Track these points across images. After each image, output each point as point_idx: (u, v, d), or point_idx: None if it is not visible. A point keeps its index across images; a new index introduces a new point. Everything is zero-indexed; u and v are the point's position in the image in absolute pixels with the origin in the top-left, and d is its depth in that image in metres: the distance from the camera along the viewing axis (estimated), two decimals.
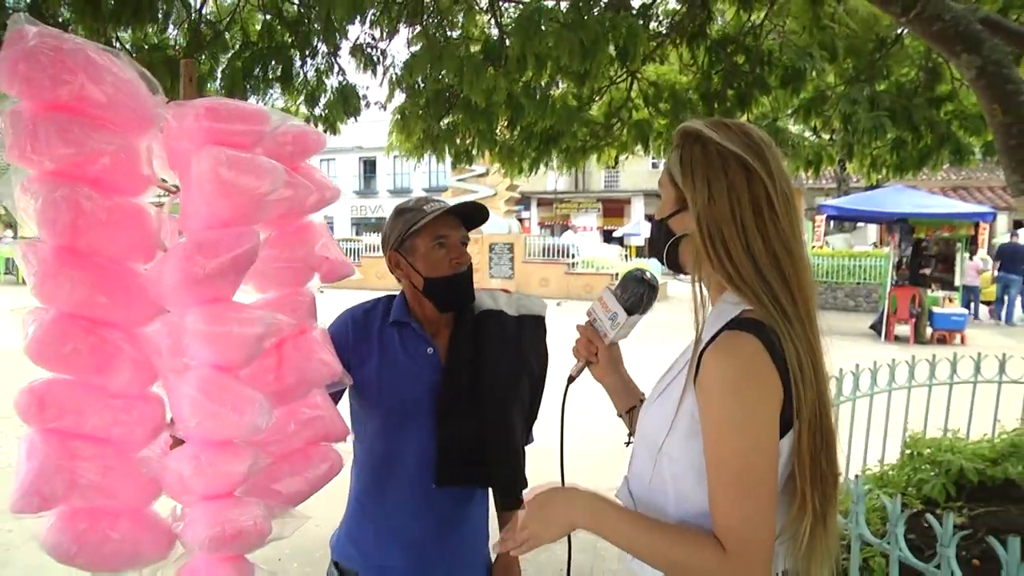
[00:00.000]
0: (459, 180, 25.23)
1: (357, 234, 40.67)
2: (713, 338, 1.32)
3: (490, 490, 2.12)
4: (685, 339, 1.44)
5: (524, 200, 38.17)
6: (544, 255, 24.79)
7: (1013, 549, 1.90)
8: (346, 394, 2.06)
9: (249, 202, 1.49)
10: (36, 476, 1.46)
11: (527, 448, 2.15)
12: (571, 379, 1.69)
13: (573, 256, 24.90)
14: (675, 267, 1.50)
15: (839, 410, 4.19)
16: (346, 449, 1.91)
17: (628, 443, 1.76)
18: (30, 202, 1.41)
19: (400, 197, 42.95)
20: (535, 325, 2.15)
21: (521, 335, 2.10)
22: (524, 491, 1.49)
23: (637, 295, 1.62)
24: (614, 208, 39.95)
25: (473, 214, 2.06)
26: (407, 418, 2.01)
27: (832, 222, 20.86)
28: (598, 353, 1.70)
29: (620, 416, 1.76)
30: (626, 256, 27.50)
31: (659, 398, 1.44)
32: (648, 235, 1.62)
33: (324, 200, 1.79)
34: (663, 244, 1.49)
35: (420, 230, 1.99)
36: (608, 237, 37.38)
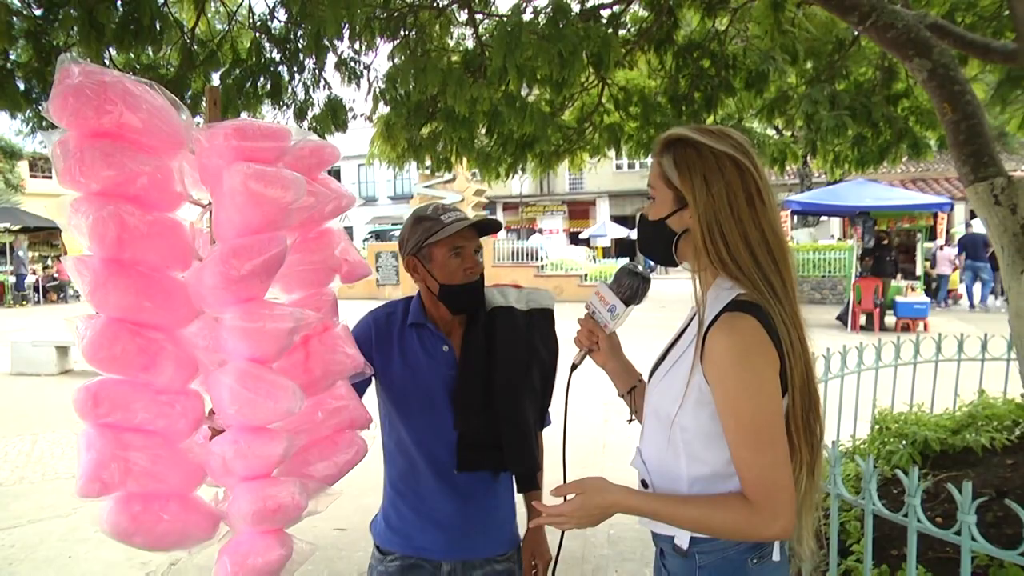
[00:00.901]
0: (426, 187, 25.06)
1: None
2: (714, 320, 1.49)
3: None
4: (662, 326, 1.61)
5: (490, 204, 37.94)
6: (513, 258, 24.76)
7: (966, 492, 2.11)
8: (374, 392, 2.20)
9: (276, 211, 1.61)
10: (96, 465, 1.60)
11: (545, 430, 2.28)
12: (574, 366, 1.83)
13: (542, 259, 24.88)
14: (669, 262, 1.65)
15: None
16: (370, 435, 2.04)
17: (631, 420, 1.96)
18: (81, 220, 1.54)
19: (365, 207, 42.15)
20: (544, 317, 2.26)
21: (531, 328, 2.20)
22: (562, 486, 1.60)
23: (633, 288, 1.79)
24: (580, 210, 39.95)
25: (487, 226, 2.16)
26: (429, 411, 2.13)
27: (796, 217, 21.02)
28: (599, 341, 1.84)
29: (622, 396, 1.92)
30: (593, 257, 27.66)
31: (667, 376, 1.60)
32: (639, 235, 1.77)
33: (341, 207, 1.94)
34: (664, 242, 1.62)
35: (439, 240, 2.08)
36: (575, 239, 37.36)
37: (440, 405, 2.13)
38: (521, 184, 27.05)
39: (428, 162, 6.82)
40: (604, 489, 1.56)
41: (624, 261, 23.71)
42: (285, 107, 5.39)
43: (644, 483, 1.66)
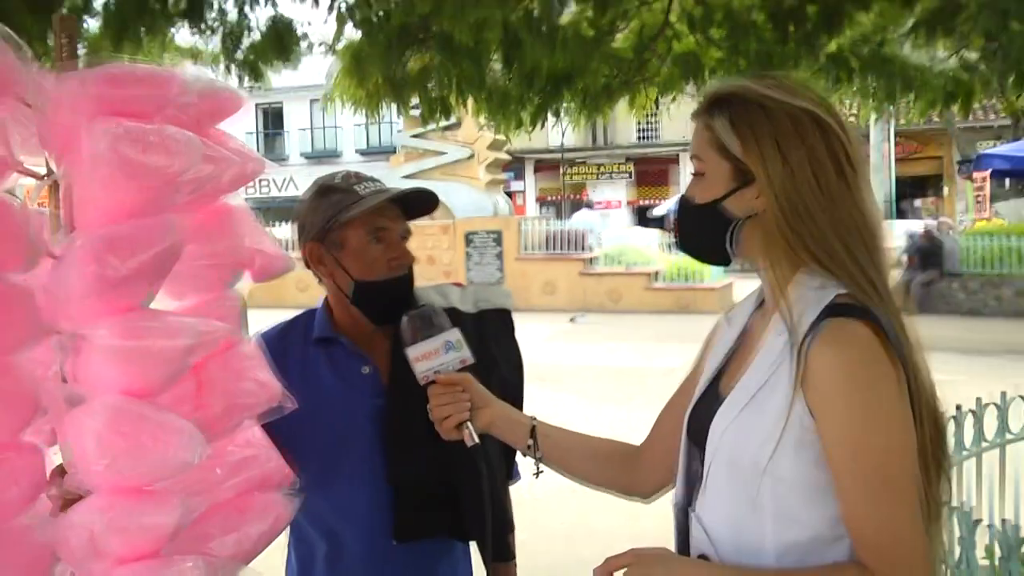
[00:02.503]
0: (415, 136, 24.60)
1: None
2: (812, 329, 1.57)
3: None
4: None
5: (516, 164, 37.02)
6: (548, 247, 24.19)
7: None
8: None
9: (159, 185, 1.64)
10: None
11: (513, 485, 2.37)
12: (477, 449, 1.97)
13: (592, 247, 24.34)
14: (721, 258, 1.73)
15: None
16: (289, 499, 2.01)
17: (538, 473, 2.10)
18: None
19: (322, 167, 39.42)
20: (500, 321, 2.38)
21: (483, 336, 2.29)
22: (614, 557, 1.66)
23: (438, 317, 2.00)
24: (653, 172, 39.71)
25: (418, 202, 2.27)
26: (349, 458, 2.22)
27: (1008, 180, 19.77)
28: (471, 398, 1.99)
29: (526, 452, 2.04)
30: (670, 244, 25.77)
31: (746, 410, 1.64)
32: (679, 226, 1.79)
33: (245, 175, 1.93)
34: (716, 232, 1.69)
35: (353, 219, 2.17)
36: (643, 217, 36.99)
37: (363, 449, 2.21)
38: (563, 133, 26.14)
39: (415, 103, 6.89)
40: (669, 562, 1.64)
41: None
42: (209, 32, 5.46)
43: (704, 559, 1.70)
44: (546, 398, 8.55)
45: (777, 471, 1.58)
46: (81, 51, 1.97)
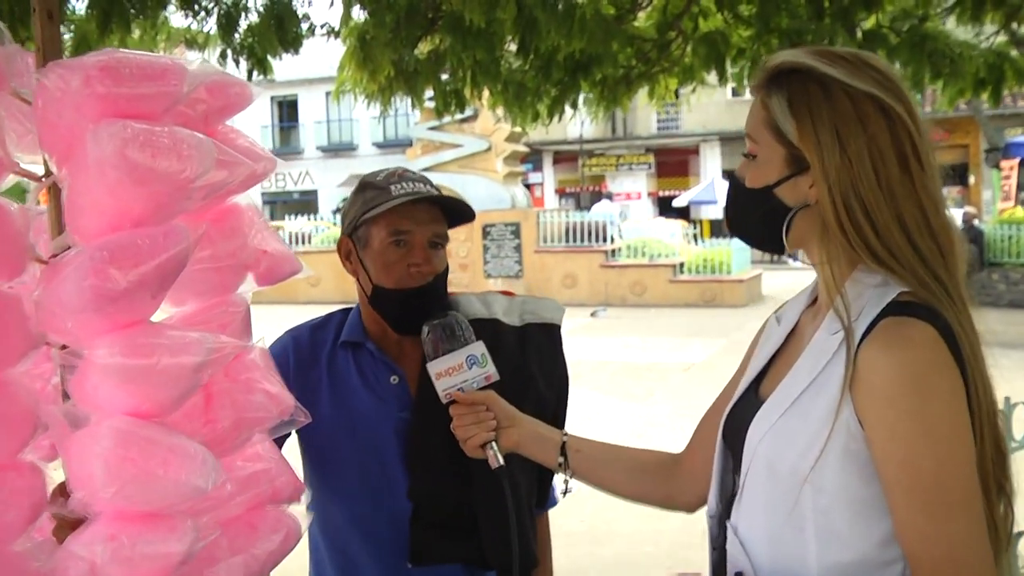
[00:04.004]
0: (431, 128, 24.68)
1: (272, 218, 38.14)
2: (869, 329, 1.51)
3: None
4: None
5: (534, 156, 37.23)
6: (568, 239, 24.49)
7: None
8: (295, 443, 2.23)
9: (171, 191, 1.61)
10: None
11: (556, 516, 2.34)
12: (501, 470, 1.94)
13: (613, 239, 24.51)
14: (775, 247, 1.69)
15: None
16: (302, 511, 2.01)
17: (566, 491, 2.09)
18: None
19: (338, 160, 41.37)
20: (546, 336, 2.33)
21: (525, 350, 2.27)
22: None
23: (463, 327, 2.00)
24: (674, 163, 39.82)
25: (458, 207, 2.23)
26: (371, 472, 2.19)
27: None
28: (495, 417, 1.97)
29: (557, 470, 2.02)
30: (695, 236, 26.55)
31: (788, 414, 1.60)
32: (730, 208, 1.76)
33: (256, 175, 1.91)
34: (769, 220, 1.65)
35: (377, 217, 2.14)
36: (666, 207, 37.26)
37: (387, 463, 2.18)
38: (582, 124, 26.43)
39: (430, 95, 6.86)
40: None
41: (721, 245, 22.69)
42: (203, 14, 5.42)
43: None
44: None
45: (820, 481, 1.53)
46: (67, 37, 1.86)
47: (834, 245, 1.57)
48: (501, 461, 1.93)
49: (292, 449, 2.17)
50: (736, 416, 1.75)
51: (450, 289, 2.31)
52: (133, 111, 1.61)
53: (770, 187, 1.63)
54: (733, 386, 1.88)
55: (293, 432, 2.12)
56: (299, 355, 2.28)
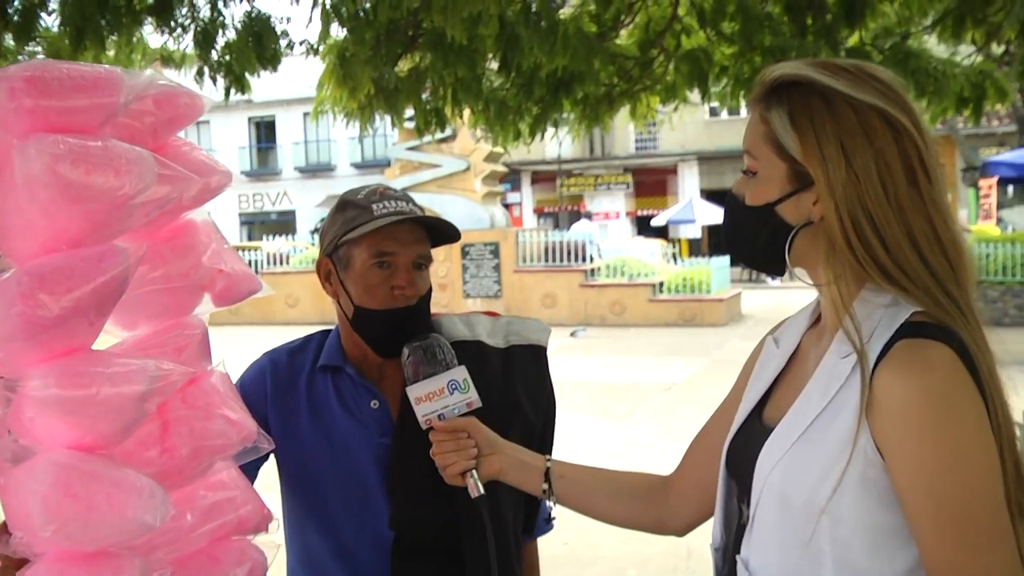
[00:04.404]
0: (409, 148, 24.93)
1: (249, 238, 39.13)
2: (884, 351, 1.47)
3: None
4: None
5: (512, 175, 37.93)
6: (547, 259, 24.39)
7: None
8: (274, 471, 2.19)
9: (108, 210, 1.55)
10: None
11: (542, 538, 2.30)
12: (481, 500, 1.91)
13: (592, 258, 24.66)
14: (775, 268, 1.65)
15: None
16: (270, 542, 1.96)
17: (549, 519, 2.11)
18: None
19: (316, 180, 41.83)
20: (532, 358, 2.28)
21: (510, 373, 2.23)
22: None
23: (444, 351, 1.97)
24: (652, 182, 40.18)
25: (442, 227, 2.18)
26: (352, 499, 2.14)
27: (1012, 187, 20.21)
28: (476, 444, 1.94)
29: (542, 496, 1.98)
30: (674, 255, 27.02)
31: (801, 441, 1.55)
32: (728, 227, 1.74)
33: (210, 190, 1.86)
34: (771, 239, 1.61)
35: (359, 237, 2.10)
36: (644, 227, 37.78)
37: (368, 490, 2.13)
38: (560, 144, 26.65)
39: (410, 114, 6.84)
40: None
41: (700, 264, 22.87)
42: (180, 30, 5.37)
43: None
44: None
45: (837, 512, 1.48)
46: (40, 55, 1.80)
47: (841, 264, 1.53)
48: (481, 490, 1.90)
49: (271, 475, 2.14)
50: (741, 444, 1.70)
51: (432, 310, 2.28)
52: (65, 125, 1.54)
53: (771, 204, 1.59)
54: (728, 410, 1.84)
55: (272, 458, 2.12)
56: (277, 379, 2.23)
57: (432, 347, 1.95)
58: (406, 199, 2.17)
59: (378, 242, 2.09)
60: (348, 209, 2.15)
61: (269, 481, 2.04)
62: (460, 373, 1.94)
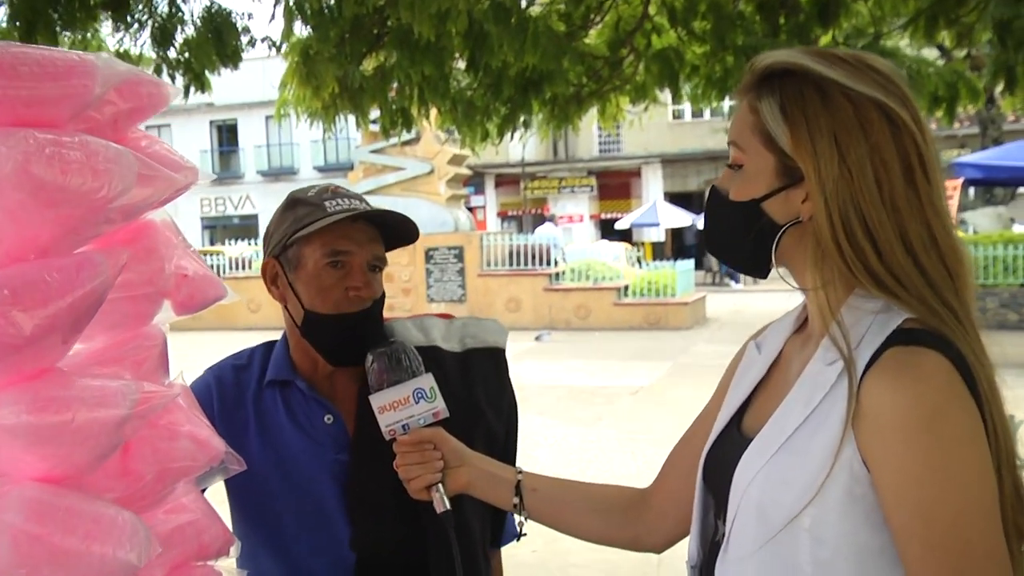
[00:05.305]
0: (373, 151, 24.96)
1: (211, 242, 39.13)
2: (874, 359, 1.40)
3: None
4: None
5: (476, 178, 37.97)
6: (511, 262, 24.41)
7: None
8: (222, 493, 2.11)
9: (84, 214, 1.45)
10: None
11: (507, 547, 2.28)
12: (447, 515, 1.86)
13: (557, 262, 24.71)
14: (759, 269, 1.60)
15: None
16: (231, 567, 1.90)
17: (519, 536, 2.03)
18: None
19: (278, 184, 41.46)
20: (491, 362, 2.24)
21: (469, 379, 2.18)
22: None
23: (409, 357, 1.90)
24: (616, 185, 40.52)
25: (398, 228, 2.13)
26: (307, 522, 2.08)
27: (973, 189, 20.53)
28: (443, 456, 1.88)
29: (513, 511, 1.93)
30: (638, 259, 27.29)
31: (781, 452, 1.48)
32: (710, 224, 1.72)
33: (178, 188, 1.76)
34: (756, 238, 1.55)
35: (312, 235, 2.04)
36: (608, 230, 37.84)
37: (323, 510, 2.08)
38: (524, 146, 26.94)
39: (376, 115, 6.79)
40: None
41: (668, 266, 23.30)
42: (136, 26, 5.28)
43: None
44: None
45: (820, 530, 1.42)
46: None
47: (829, 267, 1.47)
48: (447, 505, 1.85)
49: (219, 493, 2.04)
50: (718, 455, 1.65)
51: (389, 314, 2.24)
52: (33, 118, 1.42)
53: (757, 200, 1.54)
54: (708, 418, 1.79)
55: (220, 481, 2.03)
56: (223, 395, 2.17)
57: (397, 353, 1.90)
58: (359, 198, 2.13)
59: (332, 240, 2.03)
60: (298, 207, 2.10)
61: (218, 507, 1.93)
62: (427, 381, 1.88)
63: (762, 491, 1.49)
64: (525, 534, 2.00)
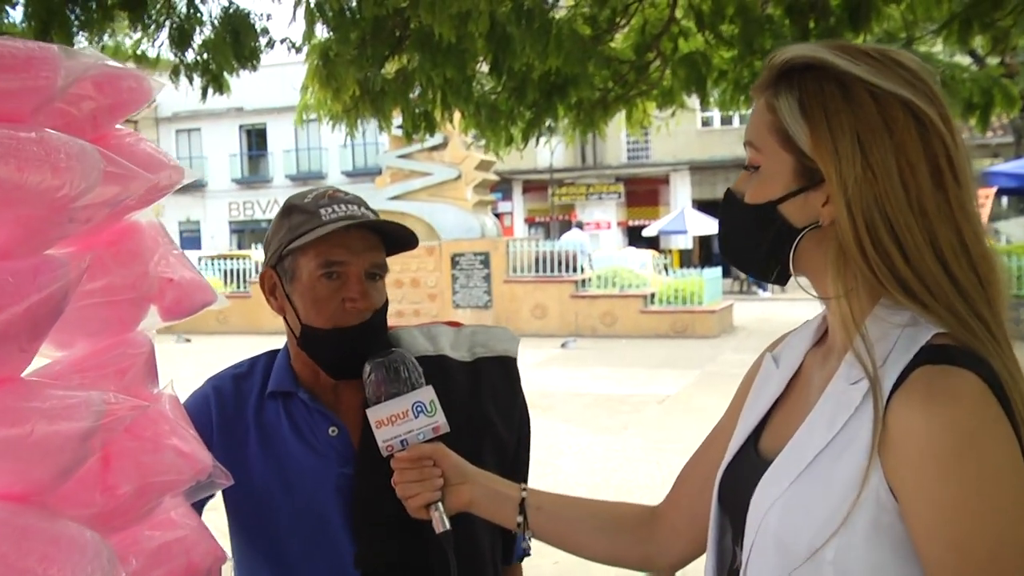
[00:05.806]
0: (400, 156, 24.90)
1: (239, 246, 39.92)
2: (902, 379, 1.34)
3: None
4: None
5: (503, 184, 38.17)
6: (538, 269, 24.46)
7: None
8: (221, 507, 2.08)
9: (44, 214, 1.40)
10: None
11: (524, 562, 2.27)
12: (447, 536, 1.80)
13: (583, 268, 24.81)
14: (778, 276, 1.54)
15: None
16: None
17: (523, 556, 2.09)
18: None
19: (306, 187, 42.96)
20: (501, 371, 2.20)
21: (479, 389, 2.14)
22: None
23: (408, 368, 1.85)
24: (644, 192, 40.64)
25: (397, 236, 2.08)
26: (311, 537, 2.04)
27: (1006, 198, 20.51)
28: (443, 473, 1.83)
29: (517, 530, 1.86)
30: (665, 266, 27.40)
31: (801, 480, 1.42)
32: (724, 228, 1.68)
33: (159, 188, 1.71)
34: (773, 242, 1.49)
35: (306, 245, 2.00)
36: (636, 237, 38.04)
37: (327, 525, 2.04)
38: (552, 152, 26.93)
39: (399, 119, 6.77)
40: None
41: (692, 275, 23.33)
42: (154, 27, 5.27)
43: None
44: (537, 427, 9.17)
45: (844, 563, 1.36)
46: None
47: (852, 275, 1.41)
48: (446, 525, 1.81)
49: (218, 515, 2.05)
50: (735, 476, 1.60)
51: (399, 322, 2.21)
52: None
53: (774, 203, 1.48)
54: (723, 433, 1.74)
55: (219, 495, 2.00)
56: (223, 407, 2.13)
57: (396, 364, 1.85)
58: (358, 203, 2.09)
59: (326, 250, 1.99)
60: (294, 215, 2.06)
61: (215, 521, 1.91)
62: (426, 394, 1.83)
63: (781, 521, 1.44)
64: (530, 554, 1.99)
